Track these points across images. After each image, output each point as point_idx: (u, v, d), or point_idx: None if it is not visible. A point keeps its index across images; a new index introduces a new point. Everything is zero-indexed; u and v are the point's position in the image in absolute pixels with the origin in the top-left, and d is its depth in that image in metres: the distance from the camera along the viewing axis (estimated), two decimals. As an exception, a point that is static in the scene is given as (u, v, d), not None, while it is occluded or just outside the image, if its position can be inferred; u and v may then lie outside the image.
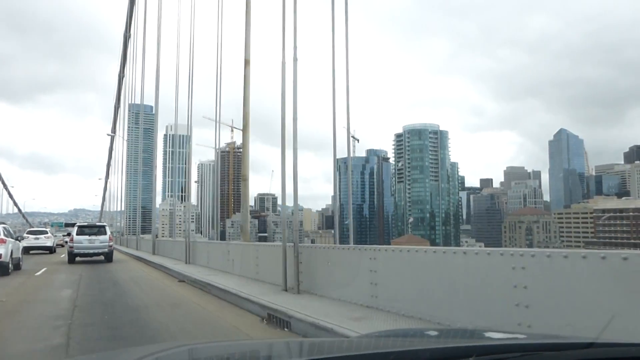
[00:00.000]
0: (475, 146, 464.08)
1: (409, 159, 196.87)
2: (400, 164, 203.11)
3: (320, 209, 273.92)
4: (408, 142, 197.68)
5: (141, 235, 40.45)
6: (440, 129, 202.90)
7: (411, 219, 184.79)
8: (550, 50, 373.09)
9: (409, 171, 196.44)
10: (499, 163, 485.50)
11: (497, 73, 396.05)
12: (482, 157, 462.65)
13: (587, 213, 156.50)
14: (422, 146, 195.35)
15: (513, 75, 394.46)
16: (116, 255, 25.26)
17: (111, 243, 22.10)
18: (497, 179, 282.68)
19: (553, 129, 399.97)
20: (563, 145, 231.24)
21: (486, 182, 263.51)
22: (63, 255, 28.11)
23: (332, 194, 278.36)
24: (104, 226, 22.92)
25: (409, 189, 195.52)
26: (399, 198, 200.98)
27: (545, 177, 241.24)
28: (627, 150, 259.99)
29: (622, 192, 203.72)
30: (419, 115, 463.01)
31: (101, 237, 21.31)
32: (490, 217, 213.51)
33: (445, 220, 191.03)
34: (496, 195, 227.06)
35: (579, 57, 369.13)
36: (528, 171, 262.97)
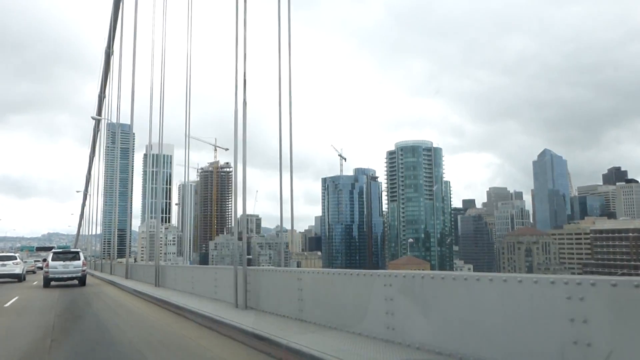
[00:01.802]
0: (455, 167, 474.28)
1: (402, 176, 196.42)
2: (393, 182, 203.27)
3: (302, 230, 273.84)
4: (401, 159, 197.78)
5: (118, 260, 40.32)
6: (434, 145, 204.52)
7: (411, 240, 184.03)
8: (528, 72, 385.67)
9: (402, 189, 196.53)
10: (479, 184, 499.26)
11: (476, 94, 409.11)
12: (462, 178, 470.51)
13: (581, 234, 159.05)
14: (416, 163, 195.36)
15: (491, 96, 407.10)
16: (90, 280, 28.14)
17: (84, 268, 24.10)
18: (479, 200, 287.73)
19: (530, 150, 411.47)
20: (547, 166, 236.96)
21: (469, 203, 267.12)
22: (36, 282, 27.96)
23: (315, 215, 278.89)
24: (77, 252, 24.84)
25: (403, 208, 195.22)
26: (392, 218, 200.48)
27: (526, 198, 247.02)
28: (605, 172, 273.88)
29: (607, 213, 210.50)
30: (400, 135, 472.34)
31: (75, 262, 23.37)
32: (477, 238, 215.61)
33: (440, 241, 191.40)
34: (483, 215, 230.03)
35: (556, 78, 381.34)
36: (510, 192, 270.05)
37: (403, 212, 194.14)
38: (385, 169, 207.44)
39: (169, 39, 23.18)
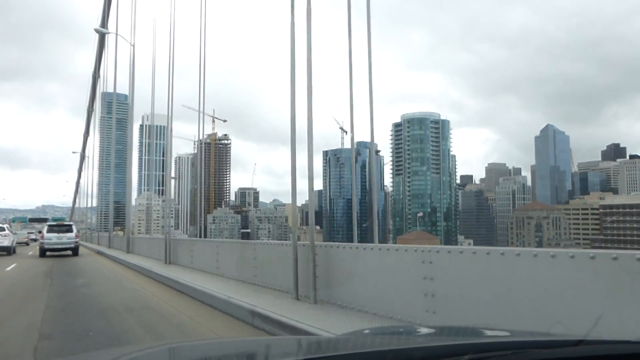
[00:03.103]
0: (454, 143, 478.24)
1: (408, 150, 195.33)
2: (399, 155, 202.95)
3: (299, 205, 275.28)
4: (408, 132, 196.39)
5: (115, 232, 40.94)
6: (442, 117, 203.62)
7: (420, 214, 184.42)
8: (530, 46, 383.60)
9: (408, 163, 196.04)
10: (474, 160, 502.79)
11: (476, 68, 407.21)
12: (459, 154, 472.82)
13: (587, 209, 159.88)
14: (423, 136, 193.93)
15: (491, 71, 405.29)
16: (84, 251, 31.96)
17: (77, 239, 27.46)
18: (477, 176, 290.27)
19: (529, 127, 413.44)
20: (550, 141, 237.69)
21: (466, 178, 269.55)
22: (31, 253, 29.15)
23: (314, 189, 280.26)
24: (70, 225, 28.74)
25: (408, 182, 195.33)
26: (397, 192, 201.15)
27: (525, 174, 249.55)
28: (604, 148, 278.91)
29: (607, 189, 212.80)
30: (398, 109, 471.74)
31: (68, 234, 26.59)
32: (479, 214, 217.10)
33: (447, 216, 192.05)
34: (484, 191, 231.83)
35: (559, 53, 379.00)
36: (509, 168, 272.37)
37: (409, 186, 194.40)
38: (391, 141, 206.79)
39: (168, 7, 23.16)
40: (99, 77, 41.99)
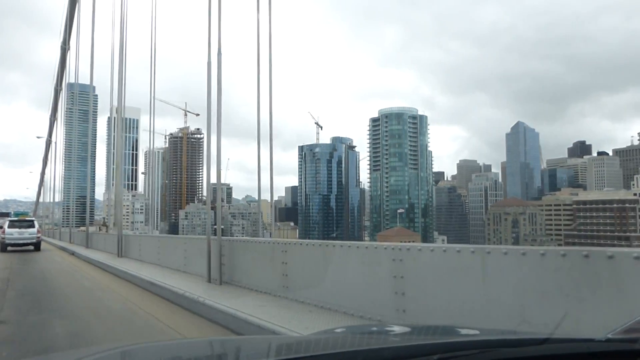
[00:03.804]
0: (431, 138, 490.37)
1: (386, 145, 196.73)
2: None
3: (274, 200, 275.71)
4: (386, 127, 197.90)
5: (81, 228, 40.09)
6: (419, 113, 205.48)
7: (401, 210, 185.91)
8: (500, 44, 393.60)
9: (386, 158, 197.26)
10: (445, 156, 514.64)
11: (448, 66, 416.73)
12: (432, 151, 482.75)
13: (560, 205, 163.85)
14: (402, 131, 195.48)
15: (462, 68, 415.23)
16: (45, 246, 32.30)
17: (39, 235, 28.04)
18: (448, 172, 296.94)
19: (498, 124, 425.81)
20: (520, 138, 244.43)
21: (438, 175, 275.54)
22: None
23: (285, 185, 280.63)
24: (32, 220, 29.45)
25: (386, 177, 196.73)
26: (374, 188, 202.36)
27: (494, 171, 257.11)
28: (571, 145, 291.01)
29: (575, 185, 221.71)
30: (372, 105, 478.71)
31: (30, 230, 27.19)
32: (452, 210, 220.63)
33: (424, 212, 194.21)
34: (456, 187, 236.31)
35: (528, 51, 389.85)
36: (480, 164, 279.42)
37: (387, 182, 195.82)
38: (368, 136, 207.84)
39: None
40: (68, 48, 40.32)
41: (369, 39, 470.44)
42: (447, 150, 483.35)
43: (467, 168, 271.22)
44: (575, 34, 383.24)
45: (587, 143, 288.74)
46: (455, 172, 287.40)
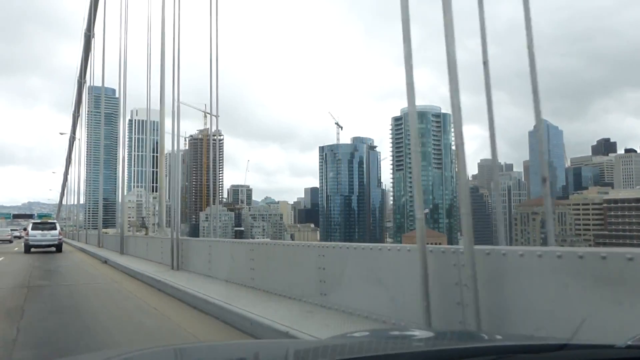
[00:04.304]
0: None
1: (409, 144, 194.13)
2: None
3: (291, 202, 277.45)
4: (408, 125, 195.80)
5: (104, 230, 40.82)
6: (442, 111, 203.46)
7: (427, 210, 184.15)
8: (519, 41, 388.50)
9: (409, 158, 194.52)
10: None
11: (465, 64, 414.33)
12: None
13: (589, 204, 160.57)
14: (425, 130, 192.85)
15: (480, 66, 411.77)
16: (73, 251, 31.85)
17: (60, 237, 29.48)
18: (468, 172, 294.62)
19: (517, 122, 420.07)
20: (544, 136, 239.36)
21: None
22: (17, 249, 30.57)
23: (304, 186, 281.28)
24: (54, 223, 30.82)
25: (410, 177, 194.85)
26: (397, 188, 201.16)
27: (516, 170, 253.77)
28: (594, 143, 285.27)
29: (601, 184, 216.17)
30: (389, 105, 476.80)
31: (52, 232, 28.48)
32: (475, 210, 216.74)
33: (449, 213, 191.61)
34: (478, 187, 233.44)
35: (547, 47, 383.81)
36: (501, 164, 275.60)
37: (410, 182, 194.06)
38: (391, 136, 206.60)
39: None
40: (84, 81, 41.16)
41: (386, 38, 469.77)
42: (466, 150, 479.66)
43: (489, 168, 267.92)
44: (597, 28, 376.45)
45: (612, 140, 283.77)
46: (475, 171, 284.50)
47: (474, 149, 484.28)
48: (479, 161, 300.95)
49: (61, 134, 55.47)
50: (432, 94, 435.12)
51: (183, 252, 14.29)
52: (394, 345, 2.26)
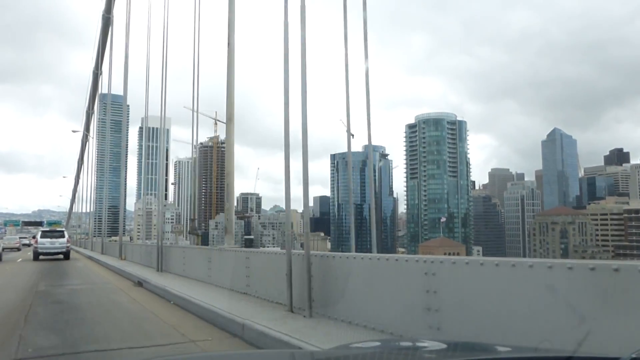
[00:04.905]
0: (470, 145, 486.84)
1: (424, 152, 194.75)
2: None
3: (300, 211, 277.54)
4: (423, 133, 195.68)
5: (112, 238, 41.12)
6: (458, 118, 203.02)
7: (443, 219, 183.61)
8: (531, 49, 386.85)
9: (424, 166, 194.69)
10: (474, 166, 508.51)
11: (476, 72, 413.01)
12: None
13: (607, 214, 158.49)
14: (440, 138, 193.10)
15: (491, 75, 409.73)
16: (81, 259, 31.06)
17: (68, 244, 30.05)
18: (478, 182, 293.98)
19: (528, 132, 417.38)
20: (557, 146, 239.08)
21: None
22: (22, 260, 30.23)
23: (314, 195, 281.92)
24: (62, 231, 31.19)
25: (424, 185, 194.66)
26: (411, 197, 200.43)
27: (527, 179, 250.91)
28: (607, 153, 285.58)
29: (616, 194, 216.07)
30: (399, 113, 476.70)
31: (60, 240, 29.07)
32: (488, 220, 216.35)
33: (464, 222, 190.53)
34: (491, 197, 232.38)
35: (560, 56, 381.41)
36: (512, 173, 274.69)
37: (425, 191, 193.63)
38: (405, 143, 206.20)
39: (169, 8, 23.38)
40: (101, 73, 41.66)
41: (396, 46, 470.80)
42: (475, 159, 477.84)
43: (500, 177, 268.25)
44: (610, 38, 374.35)
45: (625, 150, 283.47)
46: (485, 180, 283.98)
47: (484, 157, 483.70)
48: (489, 170, 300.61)
49: (74, 131, 56.16)
50: (441, 102, 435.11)
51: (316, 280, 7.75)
52: (405, 356, 2.27)
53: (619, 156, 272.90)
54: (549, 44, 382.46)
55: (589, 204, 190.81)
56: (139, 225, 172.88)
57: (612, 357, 1.65)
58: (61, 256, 28.93)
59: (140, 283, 14.44)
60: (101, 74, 40.92)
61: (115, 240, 30.72)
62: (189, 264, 14.55)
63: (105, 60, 39.87)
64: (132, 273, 16.50)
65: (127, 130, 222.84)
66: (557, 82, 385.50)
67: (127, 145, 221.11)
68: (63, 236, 29.52)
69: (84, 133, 53.73)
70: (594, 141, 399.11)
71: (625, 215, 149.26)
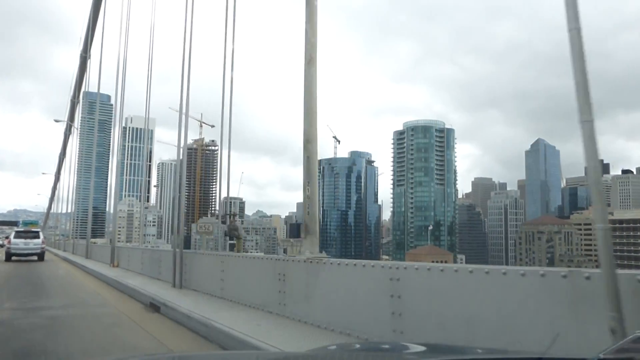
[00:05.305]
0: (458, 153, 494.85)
1: (411, 159, 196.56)
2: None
3: (283, 217, 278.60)
4: (411, 140, 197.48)
5: (92, 240, 40.63)
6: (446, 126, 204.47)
7: (430, 226, 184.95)
8: (516, 60, 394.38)
9: (411, 173, 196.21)
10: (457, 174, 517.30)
11: (461, 82, 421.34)
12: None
13: (590, 224, 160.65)
14: (428, 145, 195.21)
15: (476, 85, 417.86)
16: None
17: (43, 245, 29.44)
18: (460, 190, 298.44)
19: (511, 142, 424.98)
20: (540, 156, 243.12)
21: None
22: None
23: (297, 201, 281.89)
24: (38, 231, 30.67)
25: (411, 193, 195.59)
26: (397, 204, 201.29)
27: (510, 189, 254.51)
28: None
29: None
30: (386, 121, 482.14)
31: (35, 240, 28.64)
32: (471, 228, 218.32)
33: (451, 230, 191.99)
34: (475, 205, 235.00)
35: (544, 67, 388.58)
36: (495, 182, 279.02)
37: (411, 198, 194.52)
38: (392, 150, 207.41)
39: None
40: (89, 57, 40.21)
41: (383, 54, 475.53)
42: (458, 168, 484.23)
43: (483, 186, 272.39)
44: (594, 51, 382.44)
45: (605, 162, 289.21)
46: (468, 189, 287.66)
47: (466, 167, 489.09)
48: (472, 179, 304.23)
49: (56, 121, 54.54)
50: (427, 110, 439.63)
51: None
52: (382, 357, 2.37)
53: (601, 167, 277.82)
54: (534, 55, 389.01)
55: (572, 213, 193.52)
56: (120, 227, 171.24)
57: (580, 358, 1.73)
58: (35, 257, 28.37)
59: (155, 306, 10.00)
60: (89, 57, 39.89)
61: (95, 243, 30.36)
62: (236, 281, 9.90)
63: (94, 60, 39.09)
64: (137, 289, 12.40)
65: (121, 131, 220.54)
66: (540, 94, 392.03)
67: (118, 144, 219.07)
68: (38, 237, 29.14)
69: (67, 123, 52.28)
70: (575, 152, 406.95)
71: (610, 225, 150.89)
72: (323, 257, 7.80)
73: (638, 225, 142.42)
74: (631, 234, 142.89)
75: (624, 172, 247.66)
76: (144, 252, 19.22)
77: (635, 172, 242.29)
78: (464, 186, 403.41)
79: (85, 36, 40.32)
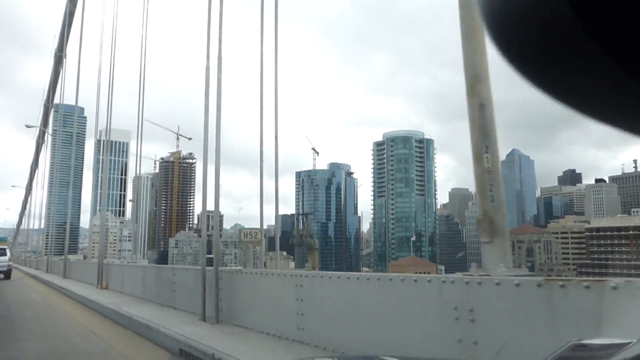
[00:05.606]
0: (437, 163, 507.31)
1: (392, 170, 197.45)
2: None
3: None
4: (391, 150, 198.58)
5: (61, 257, 39.61)
6: (425, 137, 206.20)
7: (414, 238, 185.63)
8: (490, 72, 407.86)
9: (392, 184, 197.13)
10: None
11: (436, 94, 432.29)
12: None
13: (567, 233, 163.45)
14: (408, 156, 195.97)
15: (450, 96, 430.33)
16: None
17: (10, 263, 29.01)
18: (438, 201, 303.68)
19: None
20: (516, 166, 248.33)
21: None
22: None
23: (273, 214, 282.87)
24: (4, 249, 30.11)
25: (392, 204, 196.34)
26: (378, 215, 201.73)
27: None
28: (560, 174, 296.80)
29: (572, 213, 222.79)
30: (362, 132, 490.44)
31: (1, 258, 28.10)
32: (450, 238, 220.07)
33: (431, 240, 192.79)
34: (453, 216, 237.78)
35: (516, 79, 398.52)
36: (472, 193, 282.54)
37: (392, 209, 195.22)
38: (372, 161, 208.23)
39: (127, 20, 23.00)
40: (65, 56, 39.02)
41: (359, 66, 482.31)
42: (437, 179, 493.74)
43: (460, 197, 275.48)
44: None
45: (577, 171, 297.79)
46: (446, 200, 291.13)
47: (443, 177, 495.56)
48: (449, 190, 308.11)
49: (28, 126, 53.09)
50: (403, 122, 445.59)
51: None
52: None
53: (572, 177, 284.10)
54: (506, 68, 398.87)
55: (548, 222, 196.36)
56: (93, 243, 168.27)
57: None
58: (1, 275, 27.71)
59: (191, 357, 6.80)
60: (65, 57, 38.88)
61: (69, 259, 28.70)
62: (331, 317, 6.39)
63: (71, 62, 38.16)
64: (151, 324, 8.78)
65: (95, 144, 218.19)
66: (513, 105, 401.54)
67: (101, 161, 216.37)
68: (4, 254, 28.70)
69: (40, 129, 50.78)
70: (548, 162, 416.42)
71: (587, 233, 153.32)
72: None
73: (615, 233, 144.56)
74: (608, 242, 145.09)
75: (597, 181, 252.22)
76: (145, 270, 15.34)
77: (607, 181, 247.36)
78: (441, 197, 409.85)
79: (61, 33, 39.43)
